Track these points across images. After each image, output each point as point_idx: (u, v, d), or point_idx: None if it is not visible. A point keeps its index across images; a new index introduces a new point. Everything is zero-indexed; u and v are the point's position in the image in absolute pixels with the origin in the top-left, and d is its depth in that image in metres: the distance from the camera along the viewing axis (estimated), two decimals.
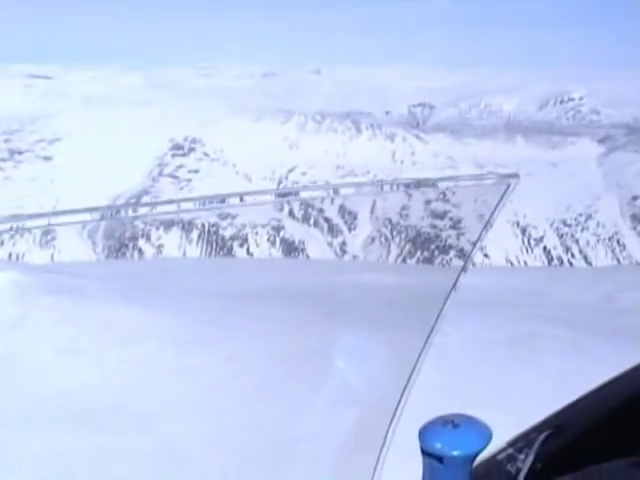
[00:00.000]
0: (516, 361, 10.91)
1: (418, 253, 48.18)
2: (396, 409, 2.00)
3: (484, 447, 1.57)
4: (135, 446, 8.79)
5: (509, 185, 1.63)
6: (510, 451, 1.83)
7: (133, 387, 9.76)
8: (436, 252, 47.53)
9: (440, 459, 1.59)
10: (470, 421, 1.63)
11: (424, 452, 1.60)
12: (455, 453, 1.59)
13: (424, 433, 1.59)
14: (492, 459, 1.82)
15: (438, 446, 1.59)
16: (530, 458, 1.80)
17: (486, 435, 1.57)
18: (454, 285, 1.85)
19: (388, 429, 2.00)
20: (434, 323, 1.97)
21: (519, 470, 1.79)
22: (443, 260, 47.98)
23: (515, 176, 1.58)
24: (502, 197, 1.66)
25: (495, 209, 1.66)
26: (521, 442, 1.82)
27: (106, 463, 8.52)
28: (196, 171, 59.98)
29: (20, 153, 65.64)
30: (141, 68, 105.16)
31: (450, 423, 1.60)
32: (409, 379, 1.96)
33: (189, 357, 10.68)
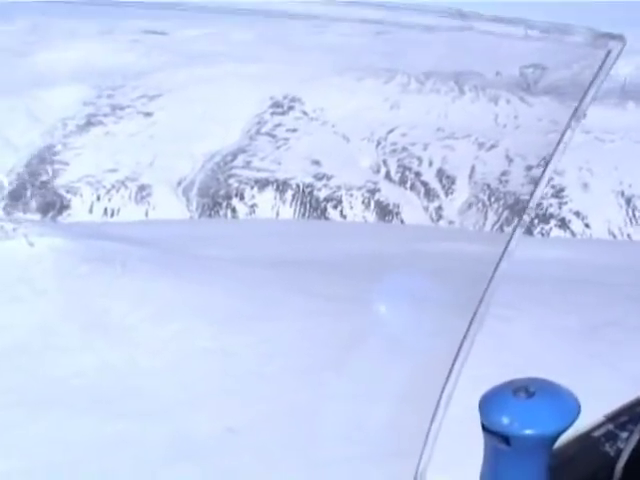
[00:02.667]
0: (592, 357, 9.72)
1: (516, 221, 46.56)
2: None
3: (569, 425, 1.27)
4: (146, 434, 8.03)
5: (609, 52, 1.36)
6: (609, 427, 1.59)
7: (156, 369, 9.08)
8: (535, 220, 45.97)
9: (507, 439, 1.27)
10: (550, 388, 1.32)
11: (486, 430, 1.31)
12: (528, 432, 1.26)
13: (486, 404, 1.33)
14: (584, 437, 1.60)
15: (505, 422, 1.28)
16: (636, 437, 1.50)
17: (572, 408, 1.26)
18: (505, 249, 1.84)
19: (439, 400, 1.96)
20: (483, 293, 1.87)
21: (619, 452, 1.48)
22: (542, 230, 46.32)
23: (619, 38, 1.31)
24: (601, 67, 1.36)
25: (589, 88, 1.46)
26: (624, 416, 1.60)
27: (111, 452, 7.80)
28: (294, 130, 59.43)
29: (122, 109, 66.36)
30: (255, 25, 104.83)
31: (522, 391, 1.31)
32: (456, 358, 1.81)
33: (223, 337, 9.96)
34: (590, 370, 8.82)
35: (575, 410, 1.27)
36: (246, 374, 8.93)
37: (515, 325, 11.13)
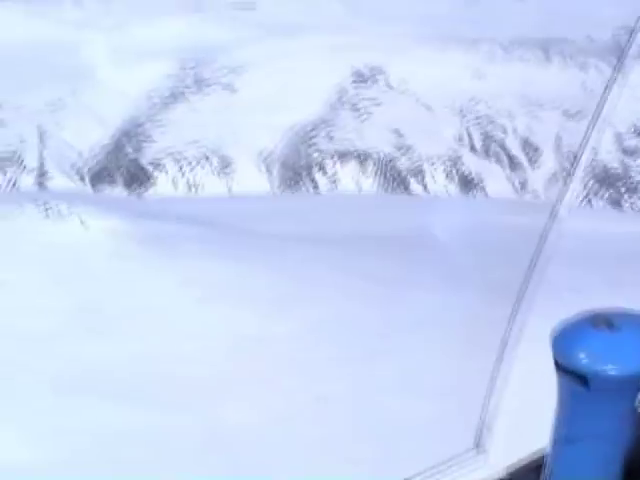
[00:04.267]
0: None
1: (603, 191, 45.15)
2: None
3: None
4: (174, 426, 7.84)
5: None
6: None
7: (194, 356, 8.87)
8: (623, 190, 44.28)
9: (585, 380, 1.27)
10: (638, 321, 1.27)
11: (560, 368, 1.26)
12: (611, 371, 1.27)
13: (561, 338, 1.24)
14: None
15: (583, 359, 1.24)
16: None
17: None
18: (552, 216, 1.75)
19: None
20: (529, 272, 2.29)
21: None
22: (631, 202, 44.71)
23: None
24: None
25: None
26: None
27: (137, 443, 7.64)
28: (376, 100, 58.74)
29: (206, 83, 66.72)
30: None
31: (604, 323, 1.30)
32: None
33: (266, 324, 9.69)
34: None
35: None
36: (285, 363, 8.68)
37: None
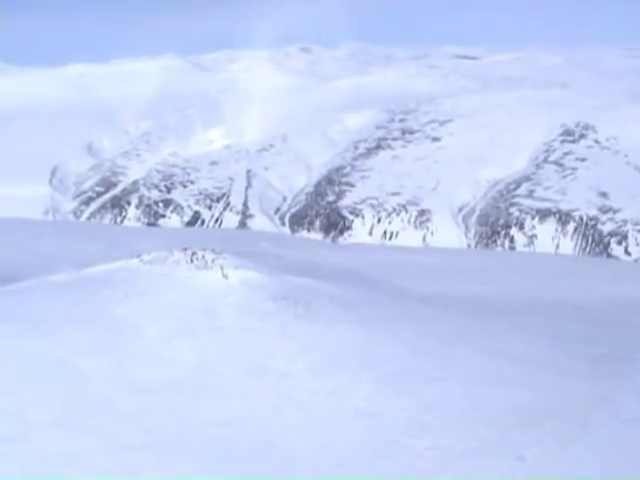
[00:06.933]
0: None
1: None
2: None
3: None
4: None
5: None
6: None
7: (300, 426, 8.84)
8: None
9: None
10: None
11: None
12: None
13: None
14: None
15: None
16: None
17: None
18: None
19: None
20: None
21: None
22: None
23: None
24: None
25: None
26: None
27: None
28: (583, 159, 56.82)
29: (411, 133, 67.36)
30: (567, 49, 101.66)
31: None
32: None
33: (380, 399, 9.52)
34: None
35: None
36: (393, 445, 8.46)
37: None
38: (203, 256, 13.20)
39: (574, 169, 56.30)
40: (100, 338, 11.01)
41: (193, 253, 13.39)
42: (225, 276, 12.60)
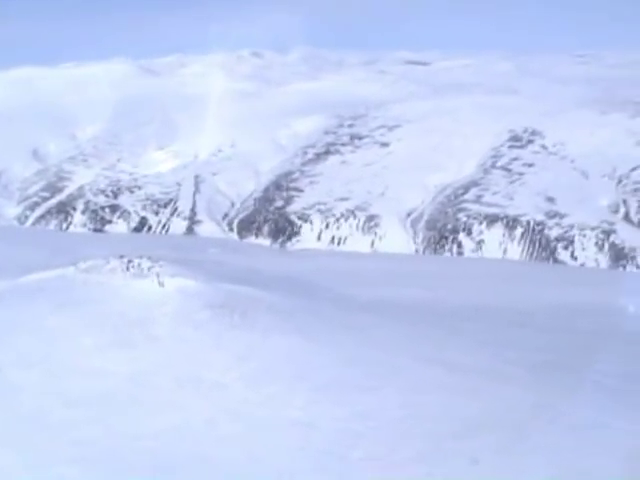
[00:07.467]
0: None
1: None
2: None
3: None
4: None
5: None
6: None
7: (233, 437, 8.54)
8: None
9: None
10: None
11: None
12: None
13: None
14: None
15: None
16: None
17: None
18: None
19: None
20: None
21: None
22: None
23: None
24: None
25: None
26: None
27: None
28: (531, 165, 57.19)
29: (360, 138, 67.27)
30: (518, 57, 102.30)
31: None
32: None
33: (313, 408, 9.27)
34: None
35: None
36: (327, 455, 8.20)
37: None
38: (139, 264, 12.85)
39: (521, 174, 56.56)
40: (32, 349, 10.67)
41: (129, 261, 13.06)
42: (161, 284, 12.28)
